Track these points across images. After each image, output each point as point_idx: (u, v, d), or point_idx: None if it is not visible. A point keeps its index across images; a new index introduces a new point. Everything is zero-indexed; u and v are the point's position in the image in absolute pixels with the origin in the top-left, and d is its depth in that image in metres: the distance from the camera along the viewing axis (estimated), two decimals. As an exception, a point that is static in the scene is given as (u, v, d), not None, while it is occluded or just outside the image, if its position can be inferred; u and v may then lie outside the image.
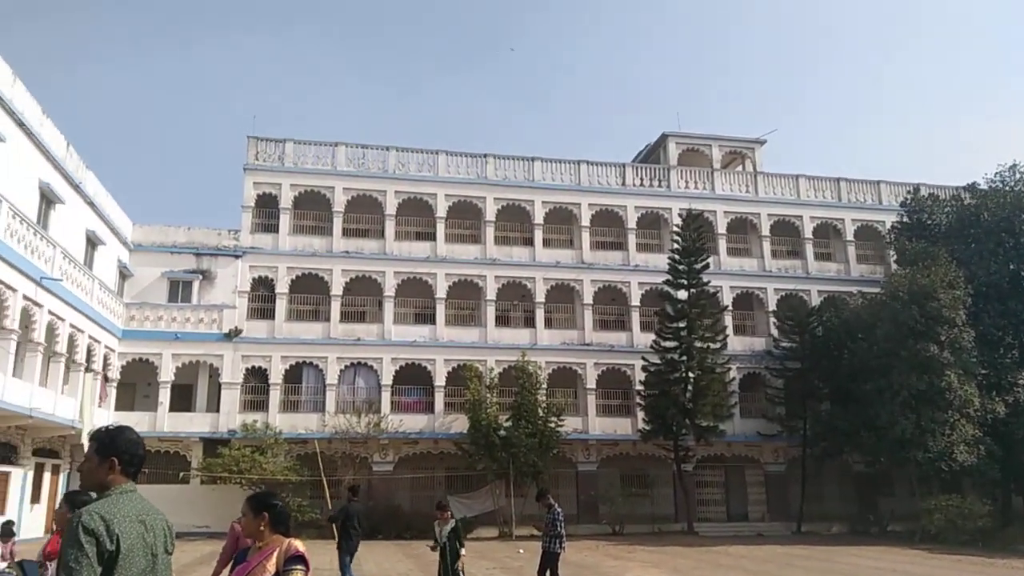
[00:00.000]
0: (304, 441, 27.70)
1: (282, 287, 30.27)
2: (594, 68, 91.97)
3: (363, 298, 31.22)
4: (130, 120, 77.32)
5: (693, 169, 35.09)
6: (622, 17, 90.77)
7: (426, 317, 31.33)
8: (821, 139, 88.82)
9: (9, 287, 18.98)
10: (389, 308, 30.80)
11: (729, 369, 30.57)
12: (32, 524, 22.52)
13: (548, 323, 32.14)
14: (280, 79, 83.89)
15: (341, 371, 29.97)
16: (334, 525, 12.86)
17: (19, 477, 22.30)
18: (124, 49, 78.41)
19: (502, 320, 31.99)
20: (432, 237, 31.87)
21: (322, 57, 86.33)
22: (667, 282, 29.64)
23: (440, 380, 30.23)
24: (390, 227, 31.60)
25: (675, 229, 31.06)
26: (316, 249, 30.95)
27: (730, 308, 32.72)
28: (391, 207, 31.59)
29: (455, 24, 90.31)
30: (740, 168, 37.04)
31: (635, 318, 32.43)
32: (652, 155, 37.04)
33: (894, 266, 32.38)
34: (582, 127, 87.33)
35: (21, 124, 20.71)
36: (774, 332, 32.38)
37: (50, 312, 21.56)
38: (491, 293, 31.53)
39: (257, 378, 29.58)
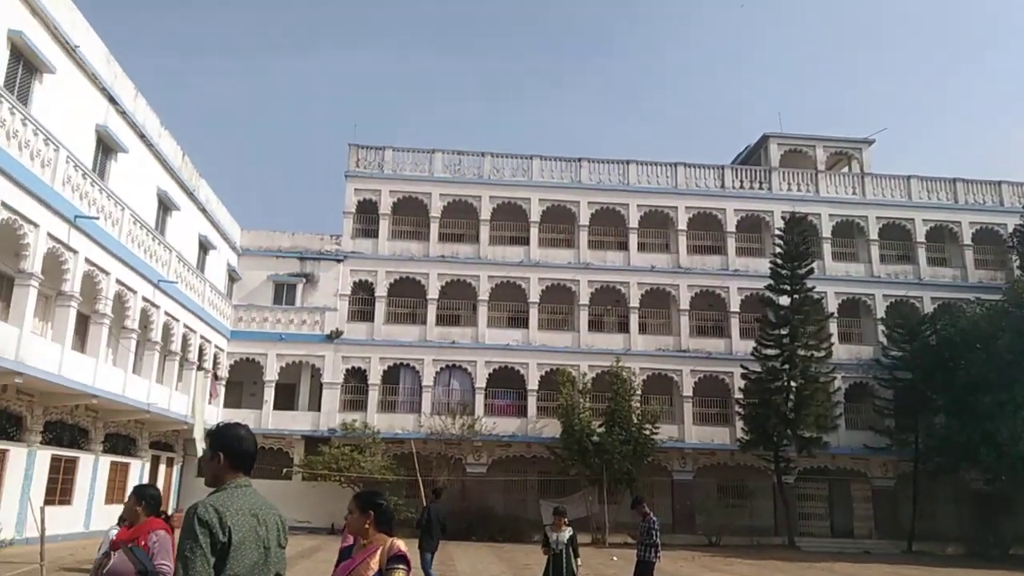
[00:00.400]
0: (400, 441, 28.26)
1: (381, 290, 31.03)
2: (690, 71, 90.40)
3: (458, 302, 31.63)
4: (240, 129, 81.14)
5: (796, 171, 33.88)
6: (717, 19, 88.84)
7: (519, 321, 31.45)
8: (935, 139, 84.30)
9: (130, 289, 20.18)
10: (483, 312, 31.09)
11: (834, 378, 29.28)
12: (149, 513, 23.78)
13: (643, 328, 31.68)
14: (381, 88, 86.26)
15: (436, 373, 30.45)
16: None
17: (137, 468, 23.66)
18: (235, 62, 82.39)
19: (595, 325, 31.75)
20: (526, 241, 31.97)
21: (421, 66, 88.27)
22: (769, 287, 28.68)
23: (533, 384, 30.27)
24: (485, 232, 31.90)
25: (777, 232, 30.03)
26: (413, 253, 31.58)
27: (835, 315, 31.36)
28: (486, 212, 31.89)
29: (551, 32, 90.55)
30: (846, 169, 35.52)
31: (734, 324, 31.56)
32: (752, 157, 35.98)
33: (1017, 272, 30.32)
34: (679, 131, 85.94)
35: (142, 136, 22.00)
36: (883, 340, 30.85)
37: (166, 313, 22.81)
38: (584, 298, 31.36)
39: (357, 378, 30.41)
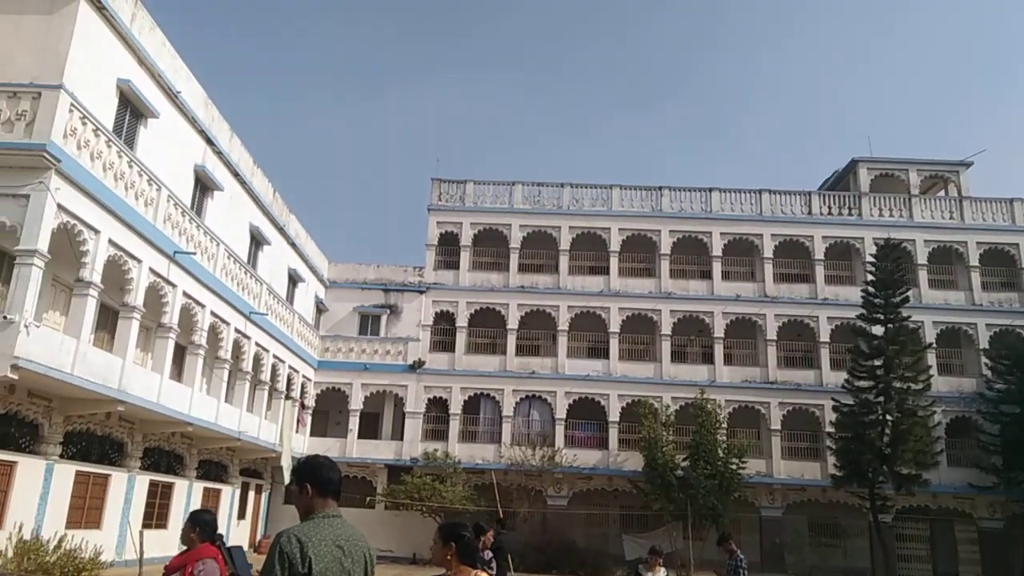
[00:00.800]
0: (481, 471, 28.28)
1: (462, 321, 31.37)
2: (772, 99, 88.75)
3: (538, 332, 31.64)
4: (328, 166, 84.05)
5: (888, 196, 32.63)
6: (801, 46, 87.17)
7: (600, 351, 31.18)
8: (1039, 158, 79.78)
9: (224, 321, 21.05)
10: (563, 342, 30.99)
11: (934, 412, 27.72)
12: (238, 537, 24.55)
13: (728, 359, 30.91)
14: (462, 121, 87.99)
15: (516, 403, 30.44)
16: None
17: (228, 494, 24.45)
18: (324, 103, 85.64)
19: (678, 356, 31.17)
20: (606, 271, 31.80)
21: (501, 99, 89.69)
22: (861, 316, 27.52)
23: (614, 416, 29.88)
24: (564, 262, 31.91)
25: (869, 259, 28.89)
26: (494, 284, 31.85)
27: (934, 345, 29.81)
28: (565, 242, 31.93)
29: (631, 62, 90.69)
30: (942, 193, 34.01)
31: (824, 355, 30.44)
32: (841, 182, 34.88)
33: None
34: (761, 158, 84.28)
35: (236, 174, 23.06)
36: (987, 372, 29.14)
37: (257, 344, 23.65)
38: (666, 328, 30.87)
39: (438, 408, 30.71)
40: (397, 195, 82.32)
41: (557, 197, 32.74)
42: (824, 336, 30.54)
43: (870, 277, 27.74)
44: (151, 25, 17.30)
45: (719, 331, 30.75)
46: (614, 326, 30.90)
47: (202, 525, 4.93)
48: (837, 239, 31.83)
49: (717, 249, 31.66)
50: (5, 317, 12.36)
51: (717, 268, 31.56)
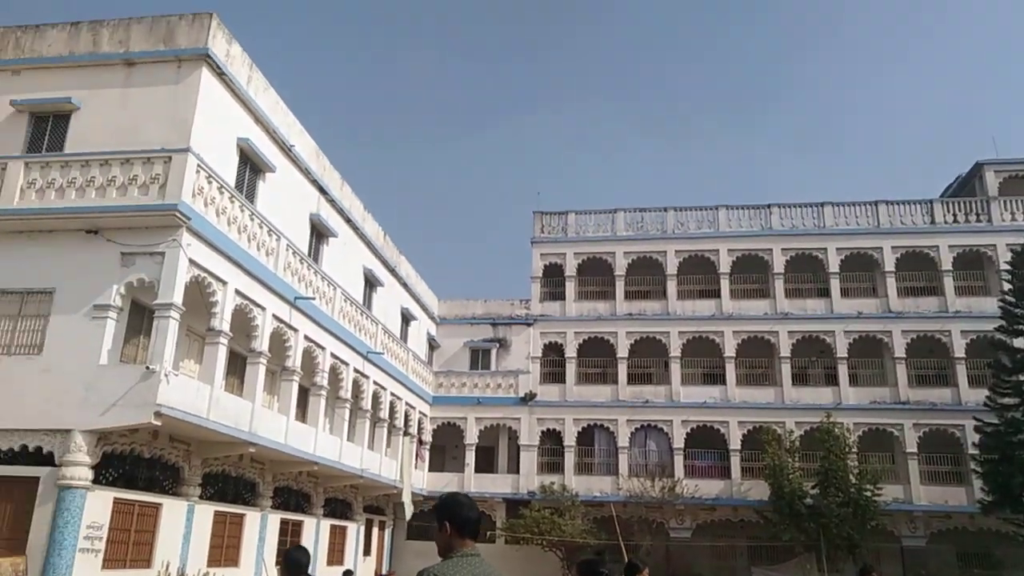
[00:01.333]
0: (600, 504, 27.88)
1: (570, 351, 31.27)
2: (882, 104, 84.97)
3: (649, 359, 31.11)
4: (433, 205, 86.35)
5: (1020, 199, 30.46)
6: (912, 51, 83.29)
7: (715, 377, 30.31)
8: None
9: (343, 361, 21.80)
10: (676, 369, 30.33)
11: (1093, 429, 25.34)
12: (363, 574, 25.07)
13: (853, 380, 29.39)
14: (561, 152, 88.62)
15: (631, 434, 29.93)
16: None
17: (354, 531, 25.08)
18: (425, 149, 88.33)
19: (799, 378, 29.90)
20: (716, 294, 31.02)
21: (599, 127, 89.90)
22: (1000, 329, 25.55)
23: (735, 443, 28.87)
24: (672, 287, 31.37)
25: (1005, 267, 26.92)
26: (601, 313, 31.65)
27: (1086, 356, 27.32)
28: (672, 267, 31.42)
29: (730, 75, 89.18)
30: (1083, 190, 31.45)
31: (960, 372, 28.47)
32: (965, 188, 32.81)
33: None
34: (873, 170, 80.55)
35: (348, 220, 24.00)
36: None
37: (375, 382, 24.34)
38: (785, 350, 29.71)
39: (552, 440, 30.59)
40: (500, 229, 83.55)
41: (661, 222, 32.33)
42: (959, 351, 28.62)
43: (1007, 286, 25.83)
44: (265, 85, 18.38)
45: (842, 351, 29.33)
46: (729, 350, 30.01)
47: (290, 563, 4.99)
48: (965, 247, 29.90)
49: (834, 265, 30.34)
50: (148, 367, 13.22)
51: (835, 285, 30.22)
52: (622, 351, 30.74)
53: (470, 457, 30.27)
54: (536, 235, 33.16)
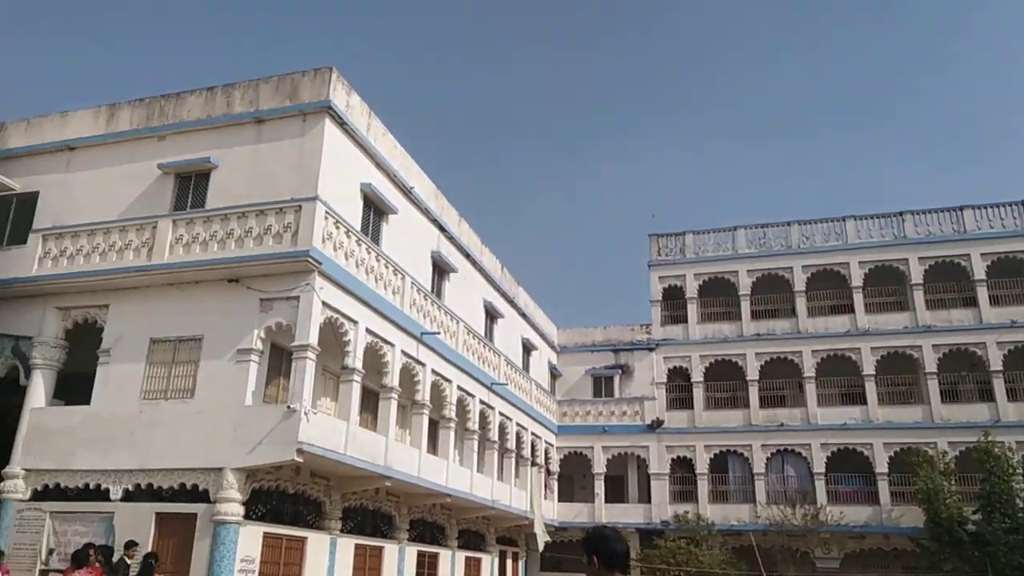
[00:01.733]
0: (738, 533, 26.85)
1: (697, 375, 30.47)
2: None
3: (781, 381, 29.88)
4: (545, 232, 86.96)
5: None
6: (1051, 26, 77.05)
7: (854, 397, 28.70)
8: None
9: (469, 394, 22.13)
10: (811, 389, 28.95)
11: None
12: (501, 607, 25.08)
13: (1012, 395, 27.09)
14: (675, 172, 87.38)
15: (767, 459, 28.71)
16: None
17: (488, 563, 25.20)
18: (536, 171, 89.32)
19: (949, 395, 27.83)
20: (850, 309, 29.49)
21: (713, 144, 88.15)
22: None
23: (881, 467, 27.13)
24: (801, 304, 30.08)
25: None
26: (726, 335, 30.73)
27: None
28: (799, 283, 30.16)
29: (849, 79, 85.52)
30: None
31: None
32: None
33: None
34: (1011, 169, 74.68)
35: (467, 255, 24.50)
36: None
37: (500, 413, 24.54)
38: (930, 365, 27.79)
39: (683, 468, 29.77)
40: (615, 253, 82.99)
41: (785, 237, 31.17)
42: None
43: None
44: (383, 131, 19.14)
45: (995, 364, 27.16)
46: (868, 368, 28.38)
47: None
48: None
49: (979, 272, 28.26)
50: (289, 407, 13.88)
51: (983, 293, 28.11)
52: (752, 373, 29.66)
53: (599, 487, 29.88)
54: (653, 258, 32.71)
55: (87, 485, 14.78)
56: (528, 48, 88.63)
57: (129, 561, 12.99)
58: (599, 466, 30.10)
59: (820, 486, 27.54)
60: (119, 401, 15.05)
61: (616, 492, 30.43)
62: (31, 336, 16.31)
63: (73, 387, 16.18)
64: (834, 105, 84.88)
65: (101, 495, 14.53)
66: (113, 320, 15.85)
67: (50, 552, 14.45)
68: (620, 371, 32.19)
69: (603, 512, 29.35)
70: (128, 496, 14.37)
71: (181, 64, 75.31)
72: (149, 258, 15.69)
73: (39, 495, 15.12)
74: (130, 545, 13.16)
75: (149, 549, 13.45)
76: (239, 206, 15.58)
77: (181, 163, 16.78)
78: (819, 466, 27.83)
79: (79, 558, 11.94)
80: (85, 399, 15.48)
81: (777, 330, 30.18)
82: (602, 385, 32.68)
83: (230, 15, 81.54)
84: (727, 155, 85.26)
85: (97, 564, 12.31)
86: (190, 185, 16.84)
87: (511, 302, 28.58)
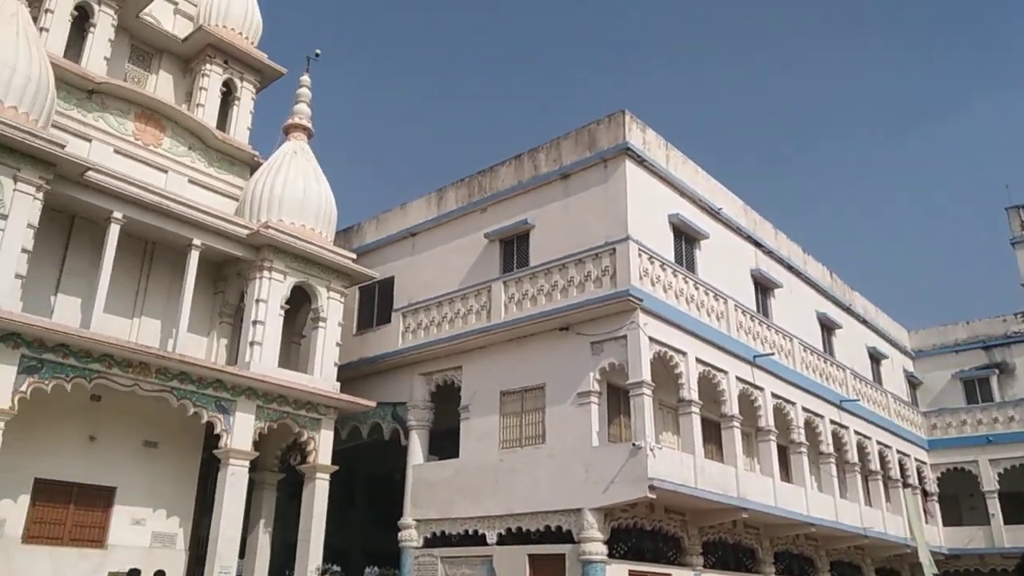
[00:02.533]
0: None
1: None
2: None
3: None
4: (873, 227, 79.14)
5: None
6: None
7: None
8: None
9: (816, 414, 20.64)
10: None
11: None
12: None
13: None
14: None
15: None
16: None
17: (869, 597, 22.90)
18: (854, 185, 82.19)
19: None
20: None
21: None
22: None
23: None
24: None
25: None
26: None
27: None
28: None
29: None
30: None
31: None
32: None
33: None
34: None
35: (790, 267, 23.12)
36: None
37: (856, 432, 22.51)
38: None
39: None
40: (957, 238, 72.65)
41: None
42: None
43: None
44: (683, 159, 19.01)
45: None
46: None
47: None
48: None
49: None
50: (635, 444, 14.12)
51: None
52: None
53: (993, 506, 25.77)
54: (1016, 234, 28.09)
55: (466, 531, 16.34)
56: (812, 52, 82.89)
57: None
58: (989, 483, 26.01)
59: None
60: (482, 452, 16.55)
61: (1018, 511, 25.96)
62: (405, 401, 18.68)
63: (442, 443, 18.18)
64: None
65: (479, 539, 15.97)
66: (467, 379, 17.57)
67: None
68: (996, 370, 27.81)
69: (1003, 536, 25.22)
70: (501, 539, 15.61)
71: (488, 129, 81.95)
72: (489, 319, 17.23)
73: (429, 542, 17.06)
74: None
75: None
76: (559, 259, 16.49)
77: (503, 229, 18.23)
78: None
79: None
80: (453, 453, 17.27)
81: None
82: (976, 389, 28.40)
83: (523, 77, 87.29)
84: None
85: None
86: (513, 247, 18.22)
87: (847, 309, 26.28)
